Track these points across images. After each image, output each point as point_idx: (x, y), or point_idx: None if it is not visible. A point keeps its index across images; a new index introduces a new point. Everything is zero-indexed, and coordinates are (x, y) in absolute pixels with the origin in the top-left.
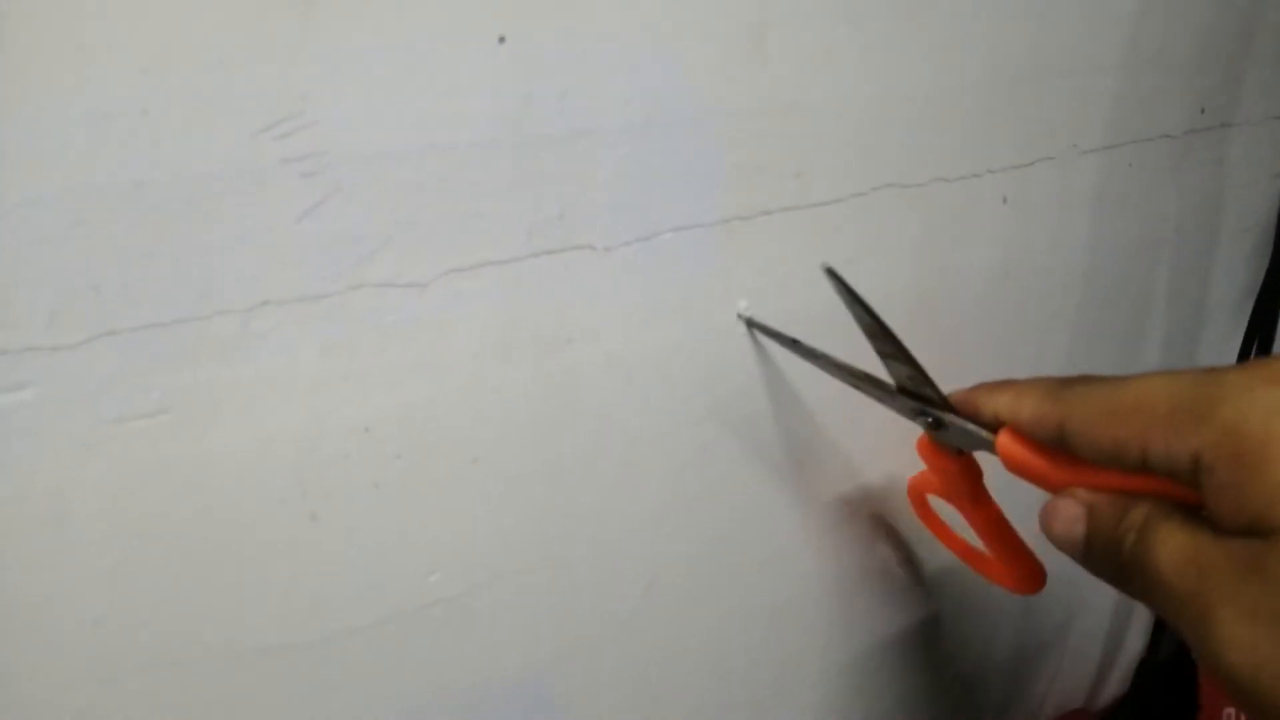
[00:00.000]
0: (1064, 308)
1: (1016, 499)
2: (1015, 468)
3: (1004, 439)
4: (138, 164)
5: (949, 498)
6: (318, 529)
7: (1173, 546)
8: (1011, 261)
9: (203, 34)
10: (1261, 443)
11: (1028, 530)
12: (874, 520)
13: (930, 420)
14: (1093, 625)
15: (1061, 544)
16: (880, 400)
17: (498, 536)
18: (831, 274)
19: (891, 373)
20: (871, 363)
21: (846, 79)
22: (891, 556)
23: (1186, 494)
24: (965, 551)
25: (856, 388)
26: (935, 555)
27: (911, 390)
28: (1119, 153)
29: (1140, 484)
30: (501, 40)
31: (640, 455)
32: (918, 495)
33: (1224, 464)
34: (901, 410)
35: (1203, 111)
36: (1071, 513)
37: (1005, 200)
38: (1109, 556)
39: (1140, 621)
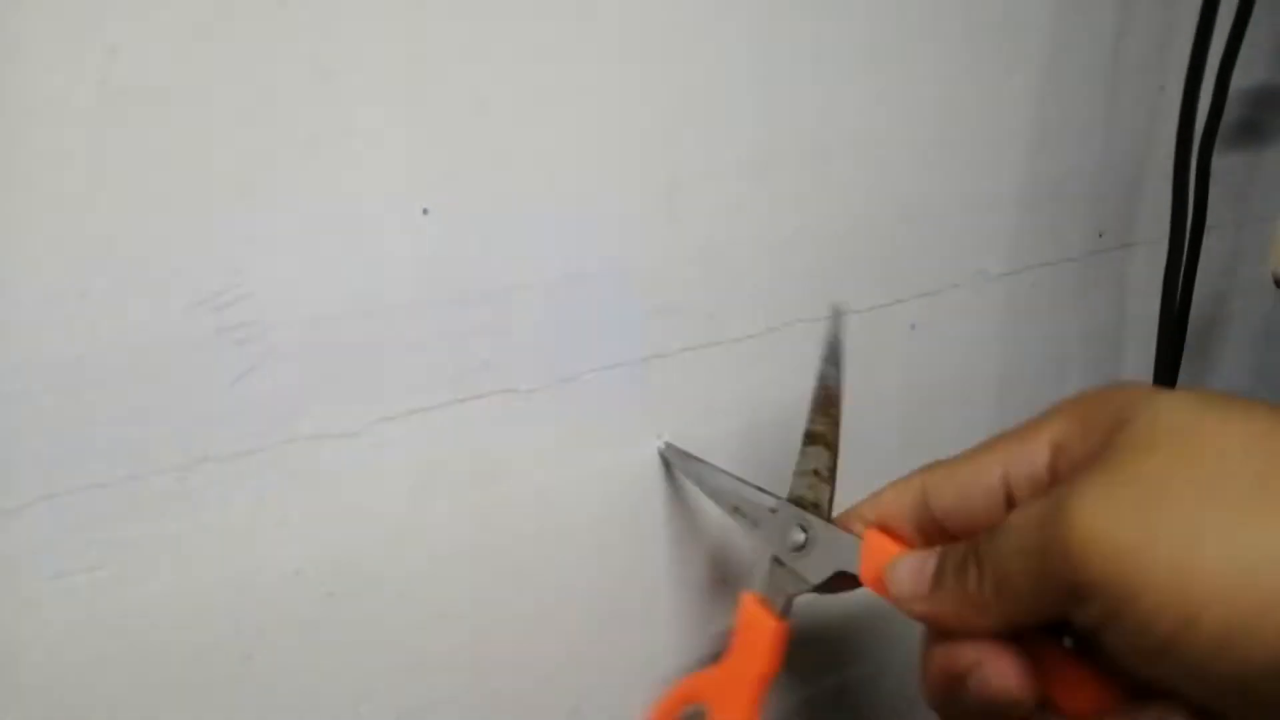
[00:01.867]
0: (976, 426)
1: None
2: (876, 567)
3: (871, 532)
4: (80, 339)
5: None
6: (251, 667)
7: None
8: (920, 384)
9: (146, 221)
10: None
11: None
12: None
13: (800, 537)
14: None
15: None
16: (754, 527)
17: (428, 666)
18: (837, 314)
19: (803, 466)
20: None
21: (753, 227)
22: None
23: None
24: None
25: (739, 512)
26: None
27: (802, 499)
28: (1023, 276)
29: None
30: (425, 212)
31: (563, 580)
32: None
33: None
34: (770, 537)
35: (1101, 235)
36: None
37: (913, 327)
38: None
39: None
